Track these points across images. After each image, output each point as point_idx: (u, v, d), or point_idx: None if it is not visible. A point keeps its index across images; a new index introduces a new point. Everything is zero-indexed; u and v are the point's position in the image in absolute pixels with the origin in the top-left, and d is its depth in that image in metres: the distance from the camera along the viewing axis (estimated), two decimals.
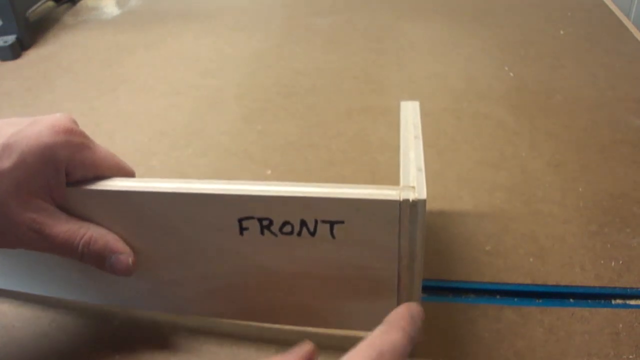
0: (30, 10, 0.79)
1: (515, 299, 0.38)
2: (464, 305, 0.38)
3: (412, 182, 0.29)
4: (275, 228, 0.30)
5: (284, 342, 0.35)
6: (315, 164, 0.52)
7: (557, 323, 0.36)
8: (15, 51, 0.74)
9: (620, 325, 0.36)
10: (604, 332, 0.35)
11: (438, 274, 0.40)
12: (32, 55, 0.75)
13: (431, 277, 0.39)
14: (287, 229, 0.29)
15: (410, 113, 0.37)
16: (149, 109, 0.61)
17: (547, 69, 0.66)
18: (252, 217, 0.29)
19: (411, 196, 0.28)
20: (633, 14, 1.14)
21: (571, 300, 0.38)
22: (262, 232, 0.30)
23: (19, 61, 0.74)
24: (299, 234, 0.29)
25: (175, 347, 0.35)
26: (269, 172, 0.51)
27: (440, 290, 0.39)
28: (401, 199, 0.27)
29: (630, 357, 0.34)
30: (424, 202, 0.28)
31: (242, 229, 0.30)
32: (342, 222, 0.29)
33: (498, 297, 0.38)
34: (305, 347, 0.27)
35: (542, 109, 0.58)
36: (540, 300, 0.38)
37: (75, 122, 0.34)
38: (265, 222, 0.29)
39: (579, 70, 0.66)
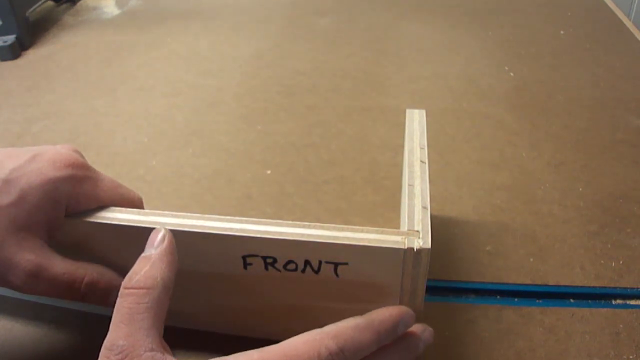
0: (30, 10, 0.79)
1: (516, 299, 0.38)
2: (464, 305, 0.38)
3: (417, 225, 0.29)
4: (279, 265, 0.30)
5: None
6: (315, 164, 0.52)
7: (557, 323, 0.36)
8: (15, 51, 0.74)
9: (621, 326, 0.36)
10: (604, 332, 0.35)
11: (438, 274, 0.40)
12: (32, 55, 0.75)
13: (432, 277, 0.39)
14: (291, 266, 0.30)
15: (416, 127, 0.37)
16: (149, 109, 0.61)
17: (547, 69, 0.66)
18: (256, 255, 0.29)
19: (416, 244, 0.27)
20: (633, 14, 1.14)
21: (571, 300, 0.38)
22: (266, 268, 0.30)
23: (19, 61, 0.74)
24: (303, 271, 0.30)
25: (174, 346, 0.35)
26: (268, 172, 0.51)
27: (441, 290, 0.39)
28: (406, 247, 0.27)
29: (631, 357, 0.34)
30: (428, 250, 0.27)
31: (246, 264, 0.30)
32: (346, 263, 0.29)
33: (498, 297, 0.38)
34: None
35: (542, 109, 0.58)
36: (541, 300, 0.38)
37: (77, 152, 0.33)
38: (269, 260, 0.30)
39: (579, 70, 0.66)
